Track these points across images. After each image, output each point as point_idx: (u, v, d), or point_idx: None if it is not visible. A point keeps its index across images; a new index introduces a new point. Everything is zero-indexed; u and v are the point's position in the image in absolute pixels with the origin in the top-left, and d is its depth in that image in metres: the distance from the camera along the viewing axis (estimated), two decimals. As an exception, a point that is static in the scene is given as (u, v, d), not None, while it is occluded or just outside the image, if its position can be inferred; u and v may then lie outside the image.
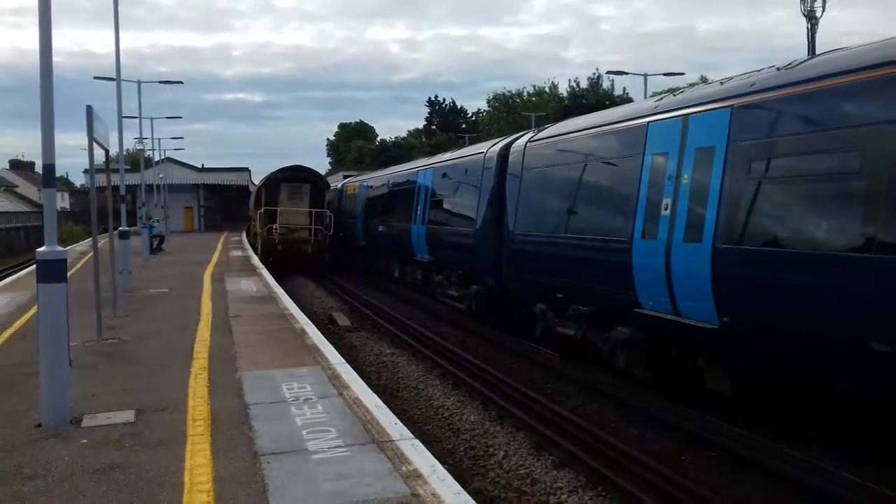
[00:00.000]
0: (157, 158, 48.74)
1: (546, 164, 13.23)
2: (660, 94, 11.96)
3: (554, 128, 14.20)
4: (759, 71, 8.80)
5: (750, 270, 7.86)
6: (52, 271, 6.47)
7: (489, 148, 16.38)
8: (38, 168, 73.26)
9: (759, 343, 8.05)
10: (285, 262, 27.46)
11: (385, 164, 41.15)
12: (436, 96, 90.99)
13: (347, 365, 8.59)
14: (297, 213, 29.06)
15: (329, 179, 56.36)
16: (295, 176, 30.14)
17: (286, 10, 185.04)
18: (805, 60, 8.26)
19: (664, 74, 38.33)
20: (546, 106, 56.04)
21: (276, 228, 28.55)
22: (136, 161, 43.66)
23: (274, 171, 31.51)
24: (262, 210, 29.27)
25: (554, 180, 12.81)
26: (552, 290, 12.43)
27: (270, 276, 19.76)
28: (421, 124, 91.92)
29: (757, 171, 8.05)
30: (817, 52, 10.66)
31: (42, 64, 6.54)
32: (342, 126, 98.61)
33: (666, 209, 9.25)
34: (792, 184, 7.66)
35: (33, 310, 11.94)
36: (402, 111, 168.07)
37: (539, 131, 14.63)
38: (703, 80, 40.32)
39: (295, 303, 14.61)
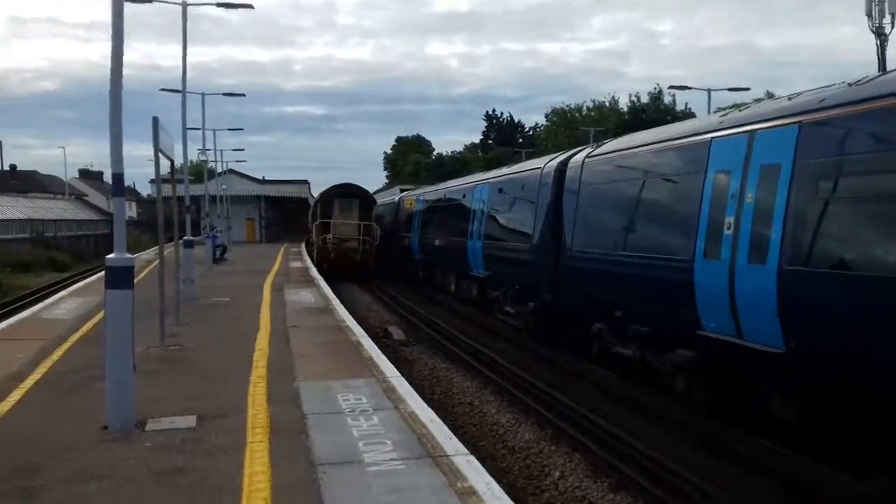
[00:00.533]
0: (219, 170, 49.91)
1: (605, 181, 13.12)
2: (724, 109, 11.76)
3: (613, 143, 14.09)
4: (828, 87, 8.58)
5: (818, 293, 7.63)
6: (120, 278, 6.69)
7: (546, 163, 16.32)
8: (107, 177, 75.92)
9: (826, 369, 7.79)
10: (336, 267, 30.06)
11: (442, 179, 41.38)
12: (493, 110, 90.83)
13: (402, 378, 8.63)
14: (348, 225, 32.25)
15: (386, 193, 57.02)
16: (346, 192, 33.82)
17: (347, 26, 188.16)
18: (877, 77, 8.01)
19: (728, 90, 37.55)
20: (606, 121, 55.56)
21: (329, 238, 31.68)
22: (200, 172, 44.89)
23: (328, 188, 35.29)
24: (317, 222, 32.72)
25: (613, 197, 12.68)
26: (610, 309, 12.28)
27: (328, 288, 20.01)
28: (478, 138, 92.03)
29: (825, 190, 7.83)
30: (888, 69, 10.32)
31: (112, 78, 6.81)
32: (399, 140, 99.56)
33: (729, 228, 9.06)
34: (863, 204, 7.43)
35: (99, 315, 12.36)
36: (459, 125, 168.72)
37: (598, 147, 14.53)
38: (769, 95, 39.44)
39: (351, 315, 14.78)
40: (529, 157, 36.06)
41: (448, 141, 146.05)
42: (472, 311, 21.37)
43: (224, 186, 47.00)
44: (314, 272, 25.56)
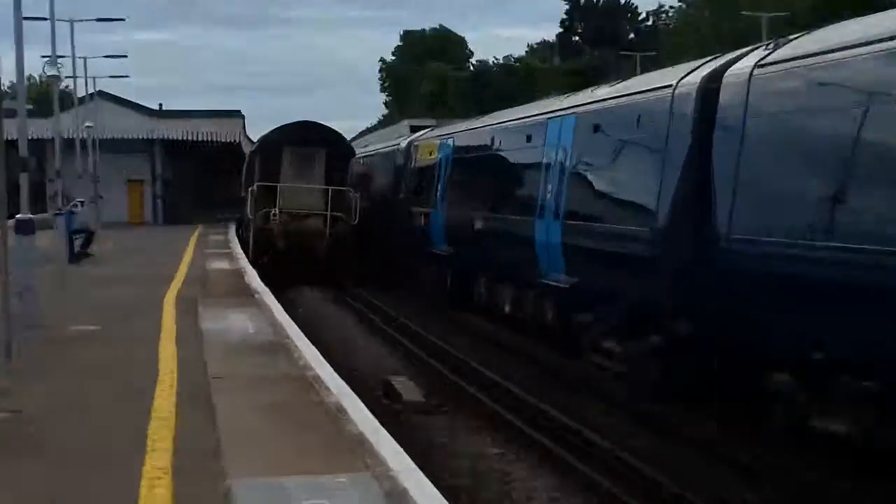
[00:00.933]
0: (82, 93, 50.23)
1: (796, 109, 13.13)
2: None
3: (810, 39, 14.04)
4: None
5: None
6: None
7: (681, 78, 16.31)
8: None
9: None
10: (288, 266, 31.42)
11: (484, 108, 41.43)
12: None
13: (420, 473, 8.69)
14: (307, 191, 33.92)
15: (382, 136, 56.92)
16: (304, 137, 35.37)
17: None
18: None
19: None
20: (792, 3, 55.23)
21: (275, 214, 33.07)
22: (46, 96, 45.21)
23: (274, 129, 37.14)
24: (254, 187, 34.30)
25: (813, 138, 12.70)
26: (807, 347, 12.25)
27: (278, 307, 20.13)
28: (552, 34, 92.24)
29: None
30: None
31: None
32: (407, 37, 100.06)
33: None
34: None
35: None
36: (516, 10, 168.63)
37: (779, 46, 14.49)
38: None
39: (324, 356, 14.83)
40: (648, 68, 35.97)
41: (495, 38, 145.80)
42: (544, 350, 21.41)
43: (89, 123, 47.30)
44: (254, 279, 25.70)
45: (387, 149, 40.30)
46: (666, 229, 15.67)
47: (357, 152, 40.80)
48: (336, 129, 38.28)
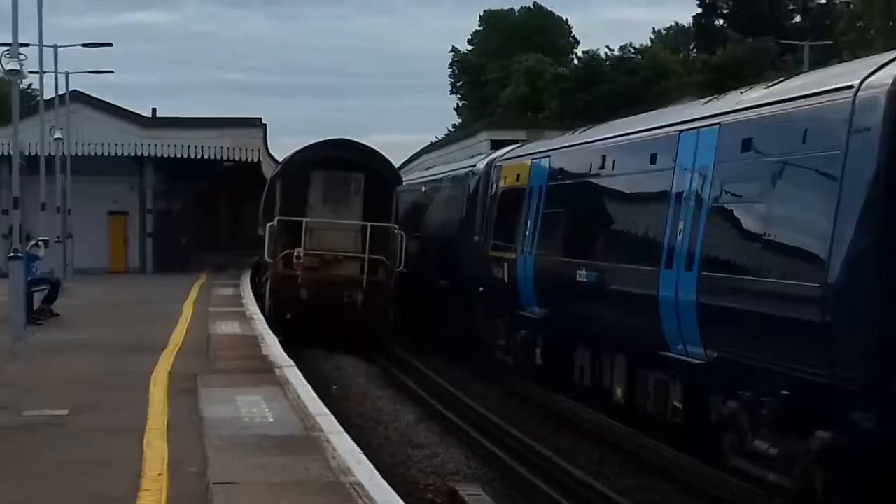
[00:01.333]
0: (50, 94, 50.71)
1: None
2: None
3: None
4: None
5: None
6: None
7: (866, 77, 16.16)
8: None
9: None
10: (315, 324, 32.71)
11: (592, 116, 41.41)
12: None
13: None
14: (341, 228, 35.18)
15: (449, 152, 56.93)
16: (338, 159, 36.68)
17: None
18: None
19: None
20: None
21: (298, 257, 34.02)
22: (3, 97, 45.66)
23: (300, 150, 39.01)
24: (274, 222, 35.41)
25: None
26: None
27: (306, 386, 20.24)
28: (687, 16, 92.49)
29: None
30: None
31: None
32: (490, 18, 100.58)
33: None
34: None
35: None
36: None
37: None
38: None
39: (367, 455, 14.82)
40: (817, 63, 35.74)
41: (610, 22, 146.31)
42: (669, 451, 21.36)
43: (58, 134, 47.66)
44: (273, 346, 25.89)
45: (455, 172, 40.58)
46: (842, 286, 15.45)
47: (413, 177, 41.25)
48: (381, 148, 39.43)
